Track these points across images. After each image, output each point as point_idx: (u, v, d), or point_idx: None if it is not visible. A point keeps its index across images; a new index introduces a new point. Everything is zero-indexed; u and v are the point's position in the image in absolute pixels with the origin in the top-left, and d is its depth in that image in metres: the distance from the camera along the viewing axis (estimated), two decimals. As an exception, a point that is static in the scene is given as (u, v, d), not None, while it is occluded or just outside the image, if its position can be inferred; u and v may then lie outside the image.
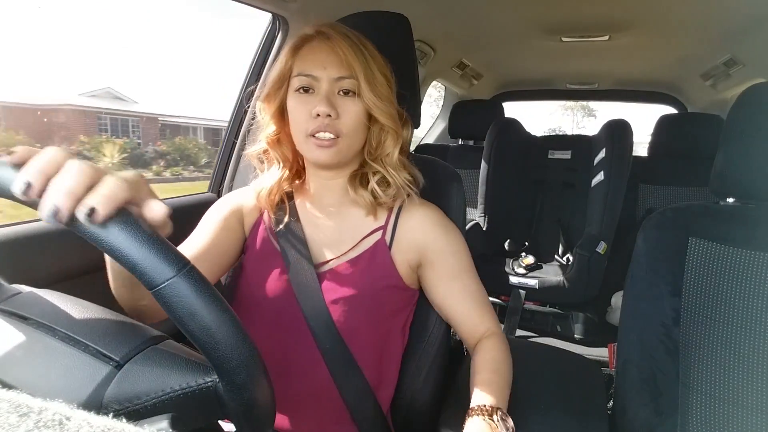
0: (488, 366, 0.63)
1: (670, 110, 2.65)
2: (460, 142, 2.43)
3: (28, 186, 0.28)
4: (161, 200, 0.33)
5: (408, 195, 0.68)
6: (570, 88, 2.81)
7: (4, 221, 0.80)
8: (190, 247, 0.65)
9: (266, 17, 1.26)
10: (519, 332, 1.89)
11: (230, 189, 1.32)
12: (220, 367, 0.31)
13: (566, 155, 2.10)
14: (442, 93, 2.95)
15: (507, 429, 0.55)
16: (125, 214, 0.30)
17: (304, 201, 0.71)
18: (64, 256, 0.83)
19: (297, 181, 0.72)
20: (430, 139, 2.90)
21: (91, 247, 0.29)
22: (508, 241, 2.08)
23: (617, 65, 2.34)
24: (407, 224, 0.68)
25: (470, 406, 0.58)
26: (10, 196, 0.29)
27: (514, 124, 2.14)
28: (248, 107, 1.27)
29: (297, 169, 0.72)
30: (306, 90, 0.62)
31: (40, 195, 0.28)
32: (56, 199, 0.28)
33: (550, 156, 2.13)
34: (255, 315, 0.67)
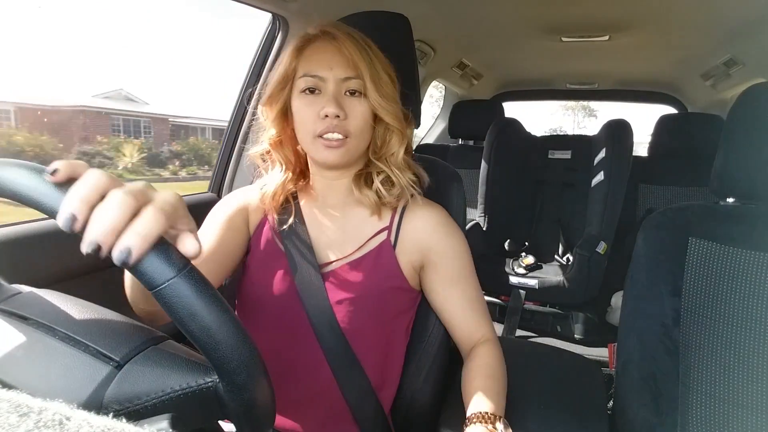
0: (484, 372, 0.63)
1: (670, 110, 2.65)
2: (460, 142, 2.43)
3: (74, 220, 0.27)
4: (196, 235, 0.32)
5: (411, 195, 0.68)
6: (570, 88, 2.81)
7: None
8: None
9: (266, 17, 1.26)
10: (519, 332, 1.89)
11: (230, 189, 1.32)
12: (220, 367, 0.31)
13: (566, 155, 2.10)
14: (444, 93, 2.95)
15: None
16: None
17: (309, 201, 0.70)
18: (64, 256, 0.83)
19: (301, 182, 0.72)
20: (430, 139, 2.90)
21: None
22: (508, 241, 2.08)
23: (617, 65, 2.34)
24: (411, 224, 0.68)
25: (469, 413, 0.58)
26: (47, 214, 0.29)
27: (514, 124, 2.14)
28: (248, 107, 1.28)
29: (300, 170, 0.71)
30: (312, 91, 0.62)
31: (84, 227, 0.28)
32: (99, 236, 0.27)
33: (550, 156, 2.13)
34: (259, 316, 0.67)
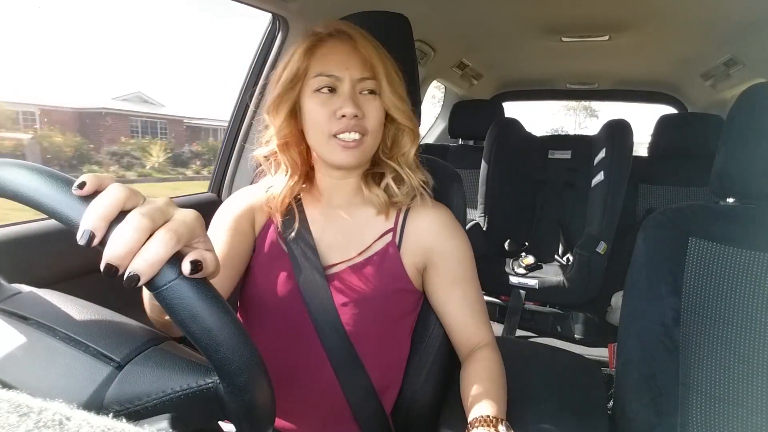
0: (484, 375, 0.63)
1: (670, 110, 2.65)
2: (460, 142, 2.43)
3: (92, 237, 0.28)
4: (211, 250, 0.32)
5: (421, 195, 0.68)
6: (570, 88, 2.81)
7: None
8: None
9: (266, 17, 1.26)
10: (519, 332, 1.89)
11: (230, 189, 1.32)
12: (221, 368, 0.31)
13: (566, 155, 2.10)
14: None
15: None
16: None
17: (312, 202, 0.70)
18: (65, 256, 0.83)
19: (305, 184, 0.71)
20: (430, 139, 2.90)
21: (92, 248, 0.29)
22: (508, 241, 2.08)
23: (617, 65, 2.34)
24: (416, 225, 0.68)
25: (470, 418, 0.58)
26: (69, 227, 0.29)
27: (514, 124, 2.14)
28: (248, 107, 1.28)
29: (305, 172, 0.70)
30: (330, 89, 0.61)
31: (101, 245, 0.28)
32: (114, 259, 0.28)
33: (550, 156, 2.13)
34: (262, 317, 0.67)
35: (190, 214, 0.31)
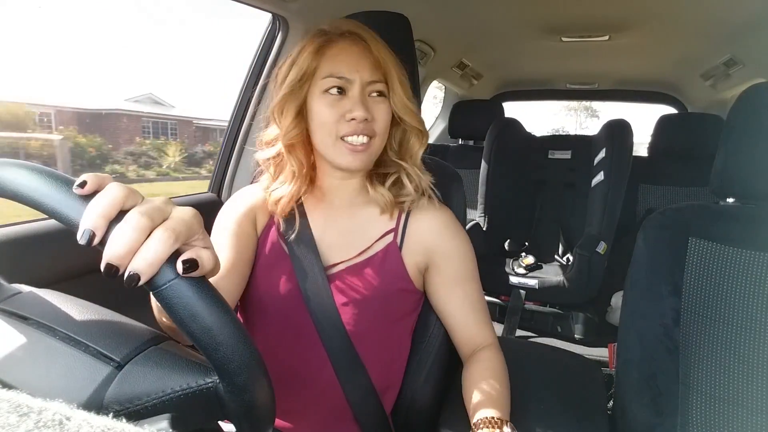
0: (488, 375, 0.63)
1: (670, 110, 2.65)
2: (460, 142, 2.43)
3: (92, 236, 0.28)
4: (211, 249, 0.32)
5: (429, 196, 0.68)
6: (570, 88, 2.81)
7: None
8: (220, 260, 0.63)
9: (266, 17, 1.26)
10: (519, 332, 1.89)
11: (230, 189, 1.32)
12: (221, 368, 0.31)
13: (566, 155, 2.10)
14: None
15: None
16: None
17: (314, 202, 0.69)
18: (65, 256, 0.83)
19: (309, 186, 0.70)
20: (430, 139, 2.89)
21: (92, 247, 0.29)
22: (508, 241, 2.08)
23: (617, 65, 2.34)
24: (417, 225, 0.68)
25: (475, 419, 0.58)
26: (70, 228, 0.29)
27: (514, 124, 2.14)
28: (250, 107, 1.28)
29: (309, 174, 0.69)
30: (339, 90, 0.61)
31: (101, 244, 0.28)
32: (114, 259, 0.28)
33: (550, 156, 2.13)
34: (262, 317, 0.67)
35: (188, 212, 0.31)
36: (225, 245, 0.63)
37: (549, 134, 2.51)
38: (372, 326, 0.66)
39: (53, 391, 0.25)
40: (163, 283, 0.29)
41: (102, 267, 0.28)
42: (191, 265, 0.29)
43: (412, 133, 0.66)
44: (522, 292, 1.85)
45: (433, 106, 2.98)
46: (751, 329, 0.66)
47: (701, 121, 1.87)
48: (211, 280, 0.32)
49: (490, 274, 1.90)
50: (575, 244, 1.78)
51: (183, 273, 0.29)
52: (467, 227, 1.22)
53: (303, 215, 0.68)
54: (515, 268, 1.93)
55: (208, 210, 0.70)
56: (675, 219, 0.73)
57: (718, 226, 0.70)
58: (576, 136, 2.28)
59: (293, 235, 0.66)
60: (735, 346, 0.67)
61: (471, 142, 2.40)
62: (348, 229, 0.68)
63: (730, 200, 0.74)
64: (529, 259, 1.93)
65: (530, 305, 1.88)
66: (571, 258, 1.90)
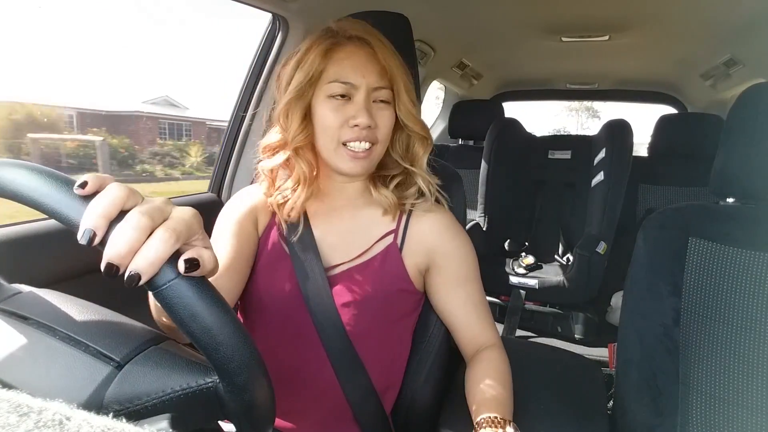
0: (492, 376, 0.62)
1: (670, 110, 2.65)
2: (460, 142, 2.43)
3: (93, 236, 0.28)
4: (211, 249, 0.32)
5: (436, 199, 0.68)
6: (570, 88, 2.81)
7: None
8: (219, 260, 0.62)
9: (266, 17, 1.26)
10: (519, 332, 1.89)
11: (230, 189, 1.32)
12: (221, 368, 0.31)
13: (566, 155, 2.10)
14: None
15: None
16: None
17: (315, 202, 0.69)
18: (65, 256, 0.83)
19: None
20: (430, 140, 2.89)
21: (92, 247, 0.29)
22: (508, 241, 2.08)
23: (617, 65, 2.34)
24: (418, 227, 0.68)
25: (477, 418, 0.57)
26: (70, 228, 0.29)
27: (514, 124, 2.14)
28: (249, 108, 1.28)
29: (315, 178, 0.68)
30: (342, 96, 0.61)
31: (101, 244, 0.28)
32: (115, 258, 0.28)
33: (550, 156, 2.13)
34: (263, 317, 0.67)
35: (188, 211, 0.31)
36: (225, 244, 0.63)
37: (549, 134, 2.51)
38: (372, 327, 0.66)
39: (53, 391, 0.25)
40: (163, 283, 0.29)
41: (102, 267, 0.28)
42: (192, 264, 0.29)
43: (416, 139, 0.66)
44: (522, 292, 1.86)
45: (435, 107, 2.98)
46: (751, 329, 0.66)
47: (701, 121, 1.87)
48: (210, 279, 0.32)
49: (490, 274, 1.90)
50: (575, 244, 1.78)
51: (185, 272, 0.29)
52: (467, 227, 1.22)
53: (305, 216, 0.68)
54: (515, 268, 1.93)
55: (208, 210, 0.70)
56: (675, 219, 0.73)
57: (718, 226, 0.70)
58: (576, 136, 2.28)
59: (294, 237, 0.66)
60: (735, 346, 0.67)
61: (471, 142, 2.40)
62: (349, 230, 0.68)
63: (730, 200, 0.74)
64: (529, 259, 1.93)
65: (530, 305, 1.88)
66: (571, 258, 1.90)
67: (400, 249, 0.67)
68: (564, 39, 1.89)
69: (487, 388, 0.61)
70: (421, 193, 0.68)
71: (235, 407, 0.32)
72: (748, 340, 0.66)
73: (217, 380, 0.32)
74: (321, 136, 0.63)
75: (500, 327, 1.87)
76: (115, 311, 0.39)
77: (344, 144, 0.61)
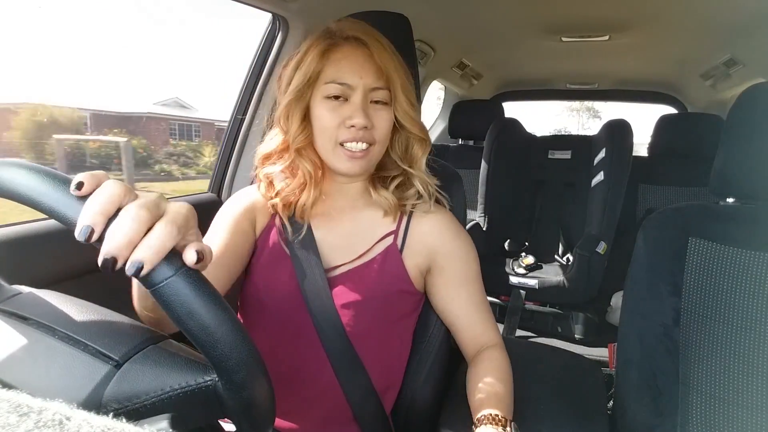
0: (494, 375, 0.62)
1: (670, 110, 2.65)
2: (460, 142, 2.43)
3: (91, 232, 0.28)
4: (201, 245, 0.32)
5: (436, 200, 0.68)
6: (570, 88, 2.81)
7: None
8: None
9: (266, 17, 1.26)
10: (519, 332, 1.89)
11: (230, 189, 1.32)
12: (219, 365, 0.31)
13: (566, 155, 2.10)
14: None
15: None
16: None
17: (316, 203, 0.69)
18: (64, 256, 0.83)
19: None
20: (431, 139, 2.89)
21: (91, 247, 0.29)
22: (508, 241, 2.08)
23: (617, 65, 2.34)
24: (419, 228, 0.68)
25: (479, 415, 0.57)
26: (67, 226, 0.29)
27: (514, 124, 2.14)
28: (248, 107, 1.28)
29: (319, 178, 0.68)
30: (337, 97, 0.61)
31: (99, 241, 0.28)
32: (114, 250, 0.28)
33: (550, 156, 2.13)
34: (262, 317, 0.67)
35: (184, 206, 0.32)
36: (217, 239, 0.64)
37: (550, 134, 2.51)
38: (372, 327, 0.66)
39: (52, 390, 0.25)
40: (160, 280, 0.29)
41: (100, 261, 0.28)
42: (199, 257, 0.30)
43: (415, 140, 0.66)
44: (522, 292, 1.85)
45: (437, 107, 2.98)
46: (751, 329, 0.66)
47: (701, 121, 1.87)
48: None
49: (490, 274, 1.89)
50: (575, 244, 1.78)
51: (194, 264, 0.29)
52: (467, 227, 1.22)
53: (305, 217, 0.68)
54: (515, 268, 1.93)
55: (208, 210, 0.70)
56: (675, 219, 0.73)
57: (718, 226, 0.70)
58: (576, 136, 2.28)
59: (295, 237, 0.66)
60: (735, 346, 0.67)
61: (471, 142, 2.40)
62: (349, 231, 0.68)
63: (730, 200, 0.74)
64: (529, 259, 1.93)
65: (530, 305, 1.88)
66: (571, 258, 1.90)
67: (401, 250, 0.67)
68: (564, 39, 1.89)
69: (489, 387, 0.61)
70: (421, 195, 0.68)
71: (235, 405, 0.32)
72: (748, 340, 0.66)
73: (216, 378, 0.32)
74: (319, 137, 0.63)
75: (500, 327, 1.87)
76: (114, 311, 0.39)
77: (341, 144, 0.61)
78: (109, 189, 0.29)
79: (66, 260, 0.84)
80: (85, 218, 0.28)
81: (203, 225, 0.33)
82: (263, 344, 0.65)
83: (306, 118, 0.63)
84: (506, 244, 2.07)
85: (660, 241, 0.73)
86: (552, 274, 1.88)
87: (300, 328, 0.65)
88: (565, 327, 1.92)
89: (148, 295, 0.33)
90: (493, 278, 1.89)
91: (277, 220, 0.68)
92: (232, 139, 1.32)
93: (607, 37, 1.83)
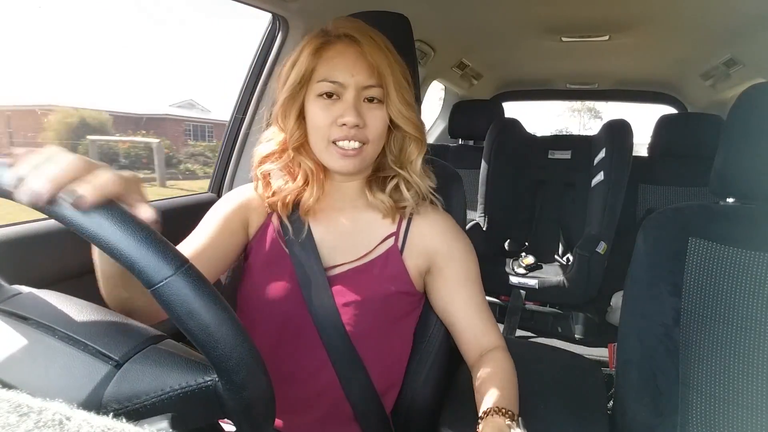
0: (501, 376, 0.62)
1: (670, 110, 2.65)
2: (460, 142, 2.43)
3: (20, 180, 0.28)
4: (154, 202, 0.33)
5: (431, 202, 0.68)
6: (570, 88, 2.82)
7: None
8: (188, 247, 0.63)
9: (266, 17, 1.26)
10: (519, 332, 1.89)
11: (230, 189, 1.32)
12: (219, 365, 0.31)
13: (566, 155, 2.10)
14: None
15: None
16: (118, 209, 0.30)
17: (315, 203, 0.69)
18: (64, 256, 0.83)
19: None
20: (430, 139, 2.90)
21: (90, 247, 0.29)
22: (508, 241, 2.08)
23: (617, 65, 2.34)
24: (419, 230, 0.68)
25: (485, 408, 0.57)
26: (7, 195, 0.29)
27: (514, 124, 2.14)
28: (248, 107, 1.28)
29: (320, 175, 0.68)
30: (329, 95, 0.61)
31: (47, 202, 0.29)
32: (37, 184, 0.28)
33: (550, 156, 2.13)
34: (262, 318, 0.67)
35: (128, 172, 0.33)
36: (203, 235, 0.64)
37: (549, 134, 2.51)
38: (372, 327, 0.66)
39: (52, 390, 0.25)
40: (160, 279, 0.29)
41: (21, 194, 0.28)
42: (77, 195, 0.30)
43: (411, 140, 0.66)
44: (522, 292, 1.85)
45: (438, 107, 2.98)
46: (751, 329, 0.66)
47: (701, 121, 1.87)
48: None
49: (490, 274, 1.90)
50: (575, 244, 1.78)
51: (151, 220, 0.31)
52: (467, 227, 1.22)
53: (304, 216, 0.67)
54: (515, 268, 1.93)
55: (208, 210, 0.70)
56: (675, 219, 0.73)
57: (718, 226, 0.70)
58: (576, 136, 2.29)
59: (294, 237, 0.66)
60: (735, 346, 0.67)
61: (471, 142, 2.40)
62: (349, 231, 0.68)
63: (730, 200, 0.74)
64: (529, 259, 1.93)
65: (530, 305, 1.88)
66: (571, 258, 1.90)
67: (401, 251, 0.67)
68: (564, 39, 1.89)
69: (495, 387, 0.60)
70: (420, 197, 0.68)
71: (235, 405, 0.32)
72: (748, 340, 0.66)
73: (216, 378, 0.32)
74: (313, 136, 0.63)
75: (500, 327, 1.87)
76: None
77: (334, 143, 0.61)
78: (48, 150, 0.31)
79: (66, 260, 0.84)
80: (16, 170, 0.29)
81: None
82: (263, 344, 0.65)
83: (301, 116, 0.63)
84: (506, 244, 2.07)
85: (660, 241, 0.73)
86: (552, 274, 1.88)
87: (300, 328, 0.65)
88: (565, 327, 1.92)
89: (116, 278, 0.35)
90: (493, 278, 1.89)
91: (275, 219, 0.68)
92: (233, 140, 1.32)
93: (607, 37, 1.83)
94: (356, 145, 0.61)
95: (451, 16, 1.67)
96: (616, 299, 1.79)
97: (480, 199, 2.10)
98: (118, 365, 0.33)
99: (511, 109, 2.51)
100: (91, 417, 0.18)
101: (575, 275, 1.73)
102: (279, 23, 1.25)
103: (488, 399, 0.59)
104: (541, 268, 1.94)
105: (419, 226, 0.68)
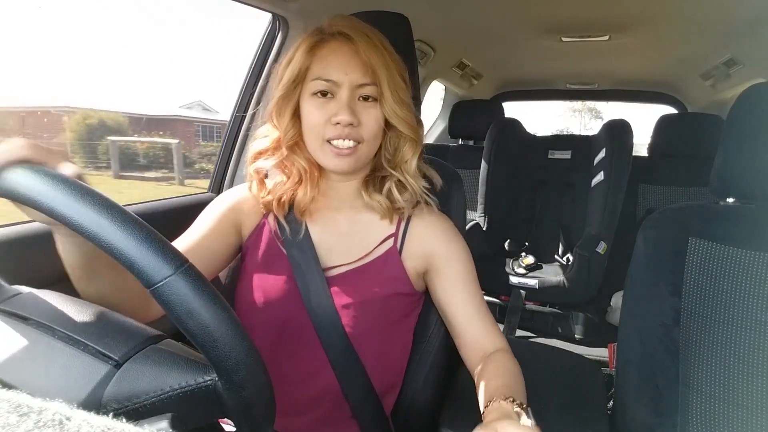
0: (506, 373, 0.59)
1: (670, 110, 2.65)
2: (460, 142, 2.43)
3: None
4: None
5: (426, 203, 0.68)
6: (570, 88, 2.81)
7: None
8: (178, 247, 0.62)
9: (266, 17, 1.26)
10: (519, 332, 1.89)
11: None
12: (218, 365, 0.31)
13: (566, 155, 2.10)
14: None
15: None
16: (30, 168, 0.33)
17: (312, 203, 0.68)
18: (64, 256, 0.83)
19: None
20: (430, 139, 2.90)
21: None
22: (508, 241, 2.08)
23: (617, 65, 2.34)
24: (417, 231, 0.67)
25: (489, 398, 0.53)
26: None
27: (514, 124, 2.14)
28: (248, 107, 1.28)
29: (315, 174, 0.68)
30: (324, 94, 0.60)
31: None
32: None
33: (550, 156, 2.13)
34: (260, 319, 0.66)
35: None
36: (193, 236, 0.64)
37: (550, 134, 2.51)
38: (372, 328, 0.65)
39: (52, 390, 0.25)
40: (159, 279, 0.29)
41: None
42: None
43: (405, 140, 0.65)
44: (522, 292, 1.85)
45: (440, 107, 2.98)
46: (751, 329, 0.66)
47: (701, 121, 1.87)
48: None
49: (490, 274, 1.90)
50: (575, 244, 1.78)
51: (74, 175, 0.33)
52: (467, 227, 1.22)
53: (300, 216, 0.67)
54: (515, 268, 1.92)
55: (207, 210, 0.70)
56: (675, 219, 0.73)
57: (718, 226, 0.70)
58: (576, 136, 2.29)
59: (291, 237, 0.66)
60: (735, 346, 0.67)
61: (471, 142, 2.40)
62: (347, 232, 0.68)
63: (730, 200, 0.74)
64: (529, 259, 1.93)
65: (530, 305, 1.88)
66: (571, 258, 1.90)
67: (400, 252, 0.67)
68: (564, 39, 1.89)
69: (500, 381, 0.57)
70: (416, 198, 0.68)
71: (234, 405, 0.32)
72: (748, 340, 0.66)
73: (216, 378, 0.32)
74: (307, 135, 0.63)
75: (500, 327, 1.87)
76: (113, 311, 0.39)
77: (329, 141, 0.61)
78: None
79: (66, 260, 0.83)
80: None
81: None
82: (262, 345, 0.65)
83: (296, 114, 0.63)
84: (506, 244, 2.07)
85: (660, 241, 0.73)
86: (552, 274, 1.88)
87: (299, 329, 0.65)
88: (565, 327, 1.92)
89: (82, 269, 0.35)
90: (493, 278, 1.89)
91: (271, 220, 0.68)
92: (232, 139, 1.32)
93: (607, 37, 1.83)
94: (350, 144, 0.61)
95: (451, 16, 1.67)
96: (616, 299, 1.79)
97: (480, 199, 2.10)
98: (118, 365, 0.33)
99: (511, 109, 2.51)
100: (91, 417, 0.18)
101: (575, 275, 1.73)
102: (279, 23, 1.25)
103: (493, 391, 0.55)
104: (541, 268, 1.94)
105: (417, 227, 0.68)
